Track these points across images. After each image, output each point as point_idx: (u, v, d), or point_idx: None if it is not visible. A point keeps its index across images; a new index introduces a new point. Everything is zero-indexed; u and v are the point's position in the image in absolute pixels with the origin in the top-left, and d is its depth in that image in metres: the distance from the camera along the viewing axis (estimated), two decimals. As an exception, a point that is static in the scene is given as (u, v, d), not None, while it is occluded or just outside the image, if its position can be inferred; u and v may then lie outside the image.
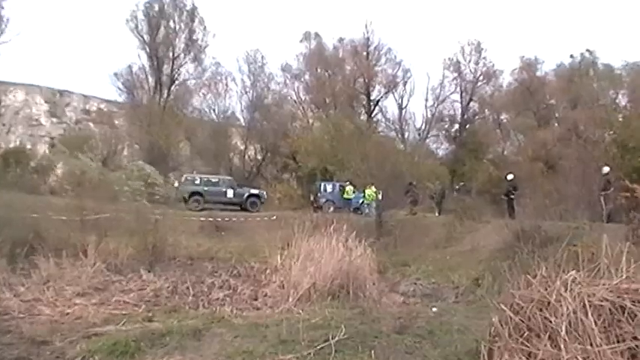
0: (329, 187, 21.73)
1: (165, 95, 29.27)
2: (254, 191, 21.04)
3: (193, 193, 19.31)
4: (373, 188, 18.03)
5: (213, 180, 20.38)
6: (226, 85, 30.63)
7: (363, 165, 18.57)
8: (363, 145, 23.03)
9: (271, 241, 12.88)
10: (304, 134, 28.51)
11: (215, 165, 27.74)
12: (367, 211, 18.84)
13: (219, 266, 11.39)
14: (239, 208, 20.53)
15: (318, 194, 21.38)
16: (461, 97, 30.67)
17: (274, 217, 17.18)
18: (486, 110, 30.97)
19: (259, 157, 30.86)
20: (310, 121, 30.76)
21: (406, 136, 31.17)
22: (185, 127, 28.32)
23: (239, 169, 29.19)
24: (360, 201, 20.22)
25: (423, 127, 30.89)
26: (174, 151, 26.85)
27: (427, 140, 31.18)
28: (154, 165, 22.41)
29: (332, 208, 19.83)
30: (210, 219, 16.63)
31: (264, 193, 21.32)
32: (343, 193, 20.73)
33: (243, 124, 31.08)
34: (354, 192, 20.45)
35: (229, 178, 22.20)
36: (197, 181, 20.04)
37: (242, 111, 31.11)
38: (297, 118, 31.11)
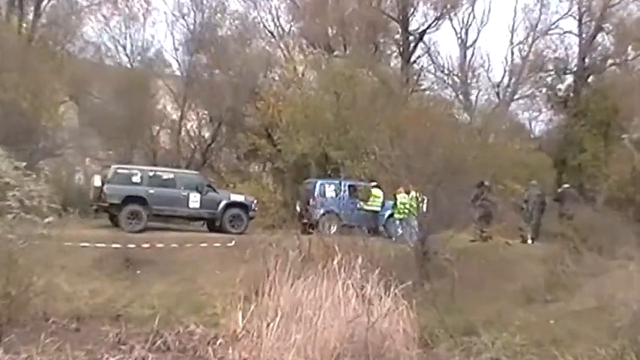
0: (330, 190, 21.96)
1: (31, 18, 29.17)
2: (236, 197, 21.43)
3: (129, 200, 19.86)
4: (412, 193, 18.12)
5: (165, 176, 21.17)
6: (147, 3, 30.80)
7: (394, 149, 18.61)
8: (395, 113, 23.10)
9: (226, 285, 13.01)
10: (289, 94, 28.70)
11: (125, 146, 27.86)
12: (399, 232, 19.03)
13: (129, 333, 11.52)
14: (207, 227, 21.12)
15: (311, 201, 21.61)
16: (579, 25, 30.35)
17: (232, 243, 17.25)
18: (629, 50, 30.36)
19: (206, 134, 31.09)
20: (299, 69, 30.92)
21: (473, 97, 31.32)
22: (70, 77, 28.15)
23: (169, 155, 29.39)
24: (387, 214, 20.42)
25: (506, 81, 30.97)
26: (50, 122, 26.70)
27: (513, 106, 31.29)
28: (9, 146, 22.00)
29: (334, 227, 20.11)
30: (116, 245, 16.77)
31: (254, 201, 21.63)
32: (366, 200, 21.21)
33: (178, 73, 31.30)
34: (382, 200, 20.87)
35: (194, 173, 22.73)
36: (136, 178, 20.46)
37: (175, 50, 31.11)
38: (277, 65, 31.36)
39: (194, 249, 17.40)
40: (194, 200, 20.51)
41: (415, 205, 17.41)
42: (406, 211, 18.49)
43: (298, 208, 22.25)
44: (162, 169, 22.41)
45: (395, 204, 19.59)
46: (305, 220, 20.99)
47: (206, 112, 30.88)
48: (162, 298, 13.79)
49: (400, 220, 19.28)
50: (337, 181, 22.31)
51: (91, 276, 15.04)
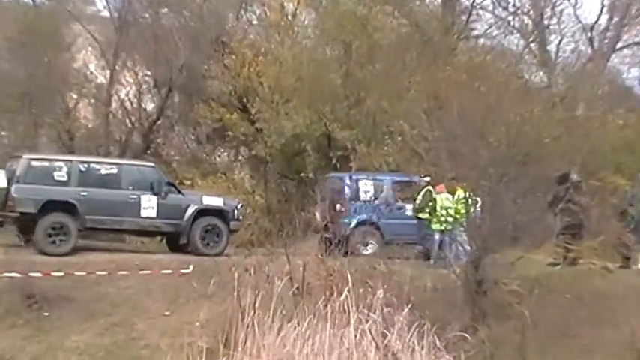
0: (367, 187, 22.01)
1: None
2: (211, 201, 21.49)
3: (51, 207, 19.93)
4: (459, 193, 18.06)
5: (105, 170, 21.35)
6: None
7: (432, 128, 18.60)
8: (433, 72, 23.05)
9: (180, 333, 12.97)
10: (273, 45, 28.96)
11: (26, 124, 28.04)
12: (434, 247, 19.40)
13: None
14: (168, 246, 21.14)
15: (338, 207, 21.77)
16: None
17: (189, 269, 17.28)
18: None
19: (149, 106, 31.29)
20: (289, 7, 30.91)
21: (552, 48, 31.38)
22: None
23: (93, 137, 29.68)
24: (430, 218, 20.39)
25: (603, 22, 31.14)
26: None
27: (614, 60, 31.46)
28: None
29: (370, 246, 20.45)
30: (12, 274, 16.66)
31: (238, 205, 21.63)
32: (428, 203, 20.72)
33: (106, 13, 31.46)
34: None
35: (148, 165, 22.79)
36: (60, 174, 20.43)
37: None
38: (255, 2, 31.43)
39: (132, 278, 17.31)
40: (148, 206, 20.58)
41: (464, 211, 17.37)
42: (450, 219, 18.46)
43: (317, 217, 22.02)
44: (100, 159, 22.50)
45: (433, 209, 19.53)
46: (328, 235, 20.14)
47: (149, 72, 30.99)
48: (83, 354, 13.83)
49: (441, 232, 19.39)
50: (379, 177, 22.21)
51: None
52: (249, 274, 12.85)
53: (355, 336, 10.37)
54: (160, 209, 20.54)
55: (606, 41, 30.78)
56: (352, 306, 10.74)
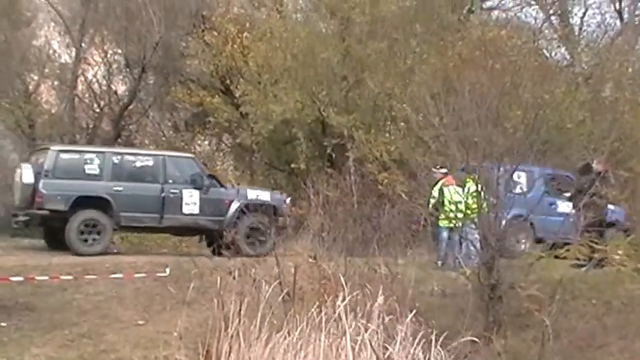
0: (520, 179, 21.41)
1: None
2: (257, 194, 21.89)
3: (83, 203, 20.14)
4: (469, 185, 18.03)
5: (141, 162, 21.72)
6: None
7: (440, 112, 18.59)
8: (442, 48, 23.11)
9: (156, 345, 12.97)
10: (260, 19, 29.15)
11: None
12: (441, 246, 19.68)
13: None
14: (208, 246, 21.22)
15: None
16: None
17: (165, 273, 17.31)
18: None
19: (120, 89, 31.48)
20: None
21: (576, 21, 31.56)
22: None
23: (57, 124, 29.81)
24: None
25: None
26: None
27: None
28: None
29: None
30: None
31: (286, 199, 22.15)
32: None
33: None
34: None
35: (187, 156, 23.15)
36: (92, 167, 20.86)
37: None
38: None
39: (101, 283, 17.28)
40: (190, 201, 20.86)
41: (475, 206, 17.39)
42: (459, 214, 18.53)
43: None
44: (135, 150, 23.04)
45: (441, 203, 19.58)
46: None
47: (119, 50, 31.13)
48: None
49: (449, 229, 19.54)
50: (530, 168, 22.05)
51: None
52: (234, 277, 12.89)
53: (353, 347, 10.37)
54: (202, 205, 20.84)
55: (637, 12, 30.78)
56: (349, 314, 10.71)
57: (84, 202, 19.86)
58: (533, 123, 16.49)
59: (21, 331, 15.39)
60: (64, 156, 20.73)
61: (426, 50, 24.56)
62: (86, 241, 19.73)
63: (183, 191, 20.78)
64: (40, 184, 19.96)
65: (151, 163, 21.36)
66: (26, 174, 20.58)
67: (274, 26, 27.55)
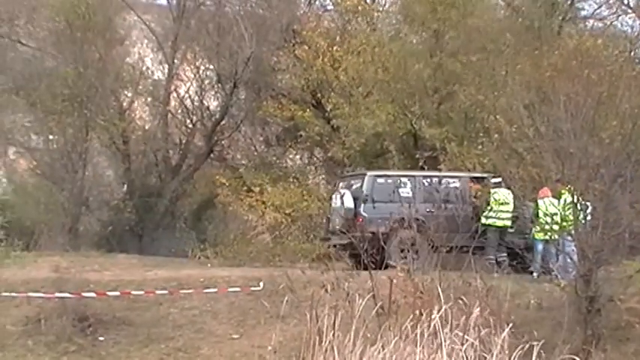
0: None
1: None
2: None
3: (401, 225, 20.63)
4: (565, 197, 17.80)
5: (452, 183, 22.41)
6: None
7: (534, 123, 18.38)
8: (536, 59, 22.92)
9: (248, 358, 13.01)
10: (351, 33, 28.95)
11: (76, 127, 27.92)
12: (537, 259, 19.50)
13: None
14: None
15: None
16: None
17: (260, 287, 17.36)
18: None
19: (212, 104, 31.64)
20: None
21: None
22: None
23: (150, 140, 30.07)
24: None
25: None
26: None
27: None
28: None
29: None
30: (62, 295, 16.66)
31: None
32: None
33: (163, 1, 31.82)
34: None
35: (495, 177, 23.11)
36: (406, 190, 21.58)
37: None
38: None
39: (196, 298, 17.49)
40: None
41: (572, 218, 17.15)
42: (555, 226, 18.30)
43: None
44: (441, 173, 23.16)
45: (536, 215, 19.40)
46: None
47: (211, 66, 31.29)
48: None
49: (545, 242, 19.31)
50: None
51: (21, 349, 15.17)
52: (327, 291, 12.88)
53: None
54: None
55: None
56: (444, 327, 10.63)
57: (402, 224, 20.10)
58: (630, 133, 16.25)
59: (119, 346, 15.63)
60: (380, 180, 21.74)
61: (519, 61, 24.31)
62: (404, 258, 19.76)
63: None
64: (362, 209, 20.94)
65: (458, 184, 21.95)
66: (347, 199, 21.50)
67: (366, 40, 27.54)
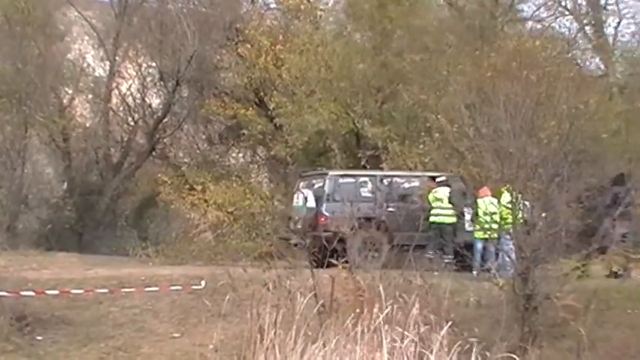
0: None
1: None
2: None
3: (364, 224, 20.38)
4: (505, 196, 17.96)
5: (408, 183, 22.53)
6: None
7: (475, 123, 18.52)
8: (478, 59, 23.13)
9: (192, 358, 13.01)
10: (294, 31, 28.99)
11: (14, 124, 27.61)
12: (476, 257, 19.56)
13: None
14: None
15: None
16: None
17: (201, 285, 17.39)
18: None
19: (154, 102, 31.54)
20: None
21: (610, 31, 31.35)
22: None
23: (91, 138, 29.94)
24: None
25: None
26: None
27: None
28: None
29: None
30: (2, 294, 16.25)
31: None
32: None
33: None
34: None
35: (455, 176, 23.07)
36: (366, 190, 21.83)
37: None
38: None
39: (136, 296, 17.39)
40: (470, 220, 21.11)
41: (510, 217, 17.36)
42: (494, 225, 18.54)
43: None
44: (400, 172, 23.26)
45: (476, 214, 19.63)
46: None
47: (153, 64, 31.23)
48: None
49: (484, 240, 19.47)
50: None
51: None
52: (269, 289, 12.90)
53: (389, 358, 10.37)
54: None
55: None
56: (385, 325, 10.72)
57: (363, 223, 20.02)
58: (567, 133, 16.47)
59: (57, 345, 15.49)
60: (341, 180, 21.77)
61: (460, 61, 24.50)
62: (366, 257, 19.97)
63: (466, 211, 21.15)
64: (323, 208, 20.98)
65: (417, 183, 22.03)
66: (310, 198, 21.60)
67: (309, 39, 27.61)
